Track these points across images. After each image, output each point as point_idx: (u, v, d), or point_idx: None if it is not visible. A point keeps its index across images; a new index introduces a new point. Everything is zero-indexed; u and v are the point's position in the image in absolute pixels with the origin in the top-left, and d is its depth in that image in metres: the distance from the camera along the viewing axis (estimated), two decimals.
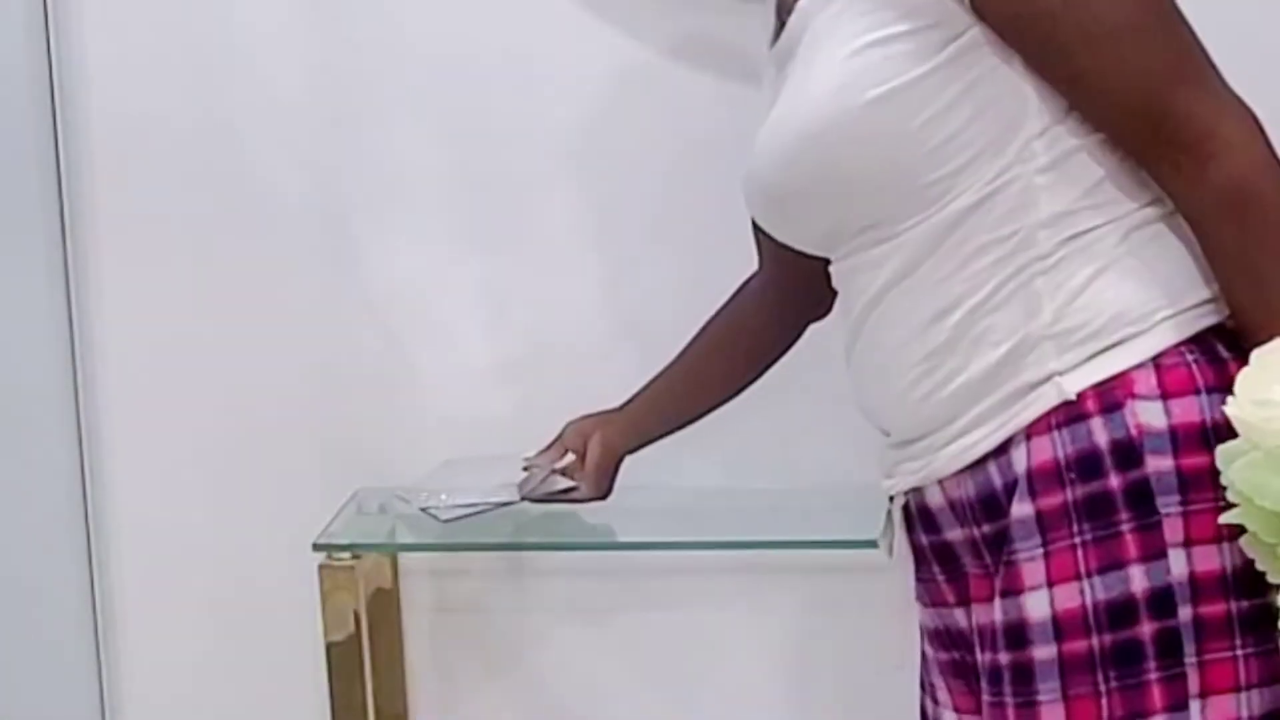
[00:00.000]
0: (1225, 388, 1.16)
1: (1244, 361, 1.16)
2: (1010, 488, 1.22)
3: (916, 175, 1.21)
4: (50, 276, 2.04)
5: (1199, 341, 1.21)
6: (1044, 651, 1.19)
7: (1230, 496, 1.11)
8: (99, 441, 2.09)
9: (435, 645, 2.10)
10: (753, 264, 1.66)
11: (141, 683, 2.14)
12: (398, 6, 1.98)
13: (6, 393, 2.05)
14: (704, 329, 1.69)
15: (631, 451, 1.73)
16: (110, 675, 2.13)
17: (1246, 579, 1.16)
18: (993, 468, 1.24)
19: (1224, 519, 1.13)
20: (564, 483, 1.76)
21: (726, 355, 1.69)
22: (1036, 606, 1.19)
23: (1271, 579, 1.10)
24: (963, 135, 1.20)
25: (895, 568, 1.39)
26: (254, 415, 2.07)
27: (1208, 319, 1.22)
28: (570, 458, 1.74)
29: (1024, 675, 1.20)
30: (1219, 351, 1.21)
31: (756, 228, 1.55)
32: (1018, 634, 1.21)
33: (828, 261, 1.36)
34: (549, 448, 1.77)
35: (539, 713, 2.11)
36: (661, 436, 1.73)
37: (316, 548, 1.85)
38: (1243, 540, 1.14)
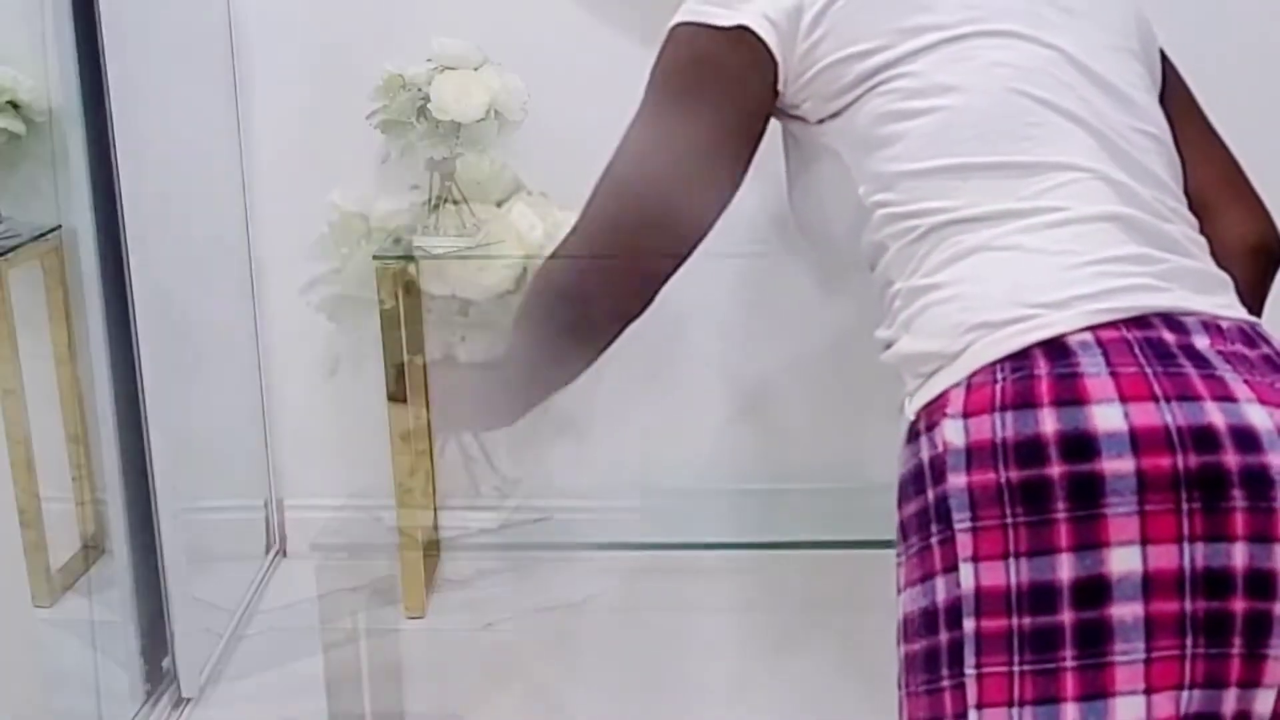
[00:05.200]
0: (1026, 404, 1.18)
1: (1066, 380, 1.18)
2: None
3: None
4: None
5: (1019, 358, 1.21)
6: (902, 648, 1.28)
7: None
8: None
9: (433, 647, 2.10)
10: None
11: None
12: (390, 9, 1.99)
13: None
14: None
15: None
16: None
17: (1030, 597, 1.18)
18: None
19: None
20: None
21: None
22: (901, 604, 1.27)
23: None
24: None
25: None
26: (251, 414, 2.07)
27: (1032, 334, 1.21)
28: None
29: (901, 665, 1.29)
30: (1037, 368, 1.20)
31: None
32: (899, 627, 1.28)
33: None
34: None
35: (538, 715, 2.11)
36: None
37: (315, 548, 1.85)
38: None
